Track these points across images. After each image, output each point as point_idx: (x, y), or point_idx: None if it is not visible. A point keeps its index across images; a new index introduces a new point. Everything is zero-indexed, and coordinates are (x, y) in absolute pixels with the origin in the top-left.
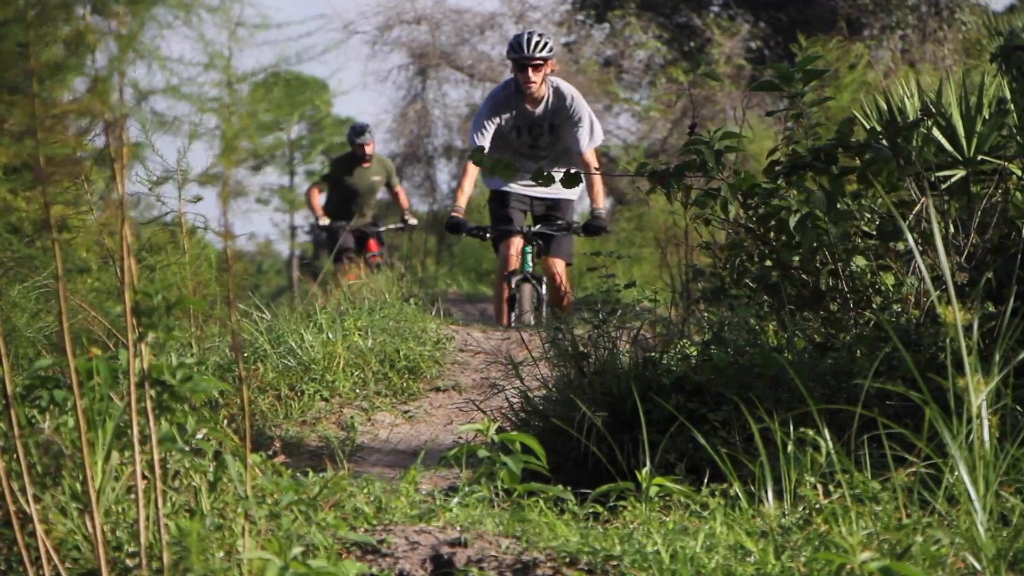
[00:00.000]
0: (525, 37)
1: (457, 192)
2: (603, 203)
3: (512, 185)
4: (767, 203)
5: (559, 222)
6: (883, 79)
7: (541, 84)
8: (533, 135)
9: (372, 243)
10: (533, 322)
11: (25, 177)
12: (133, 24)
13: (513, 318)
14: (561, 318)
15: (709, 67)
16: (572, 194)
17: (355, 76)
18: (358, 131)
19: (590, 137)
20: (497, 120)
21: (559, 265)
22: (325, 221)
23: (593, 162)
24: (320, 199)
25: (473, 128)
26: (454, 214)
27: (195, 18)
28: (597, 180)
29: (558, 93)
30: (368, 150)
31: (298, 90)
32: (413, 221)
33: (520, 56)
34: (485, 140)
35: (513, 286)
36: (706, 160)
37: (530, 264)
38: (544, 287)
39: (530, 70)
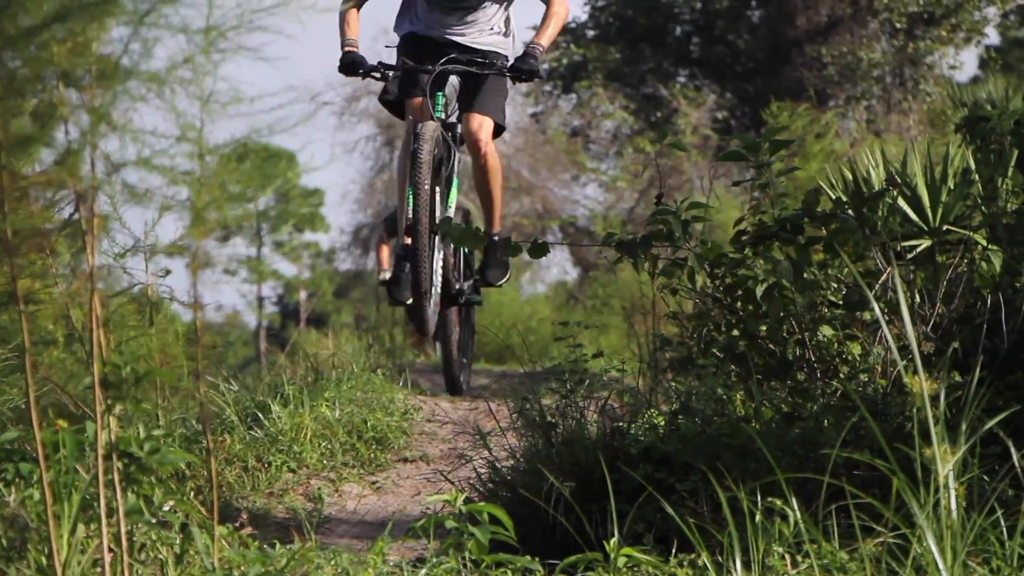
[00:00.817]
0: None
1: (343, 28)
2: (546, 42)
3: (430, 30)
4: (734, 273)
5: (480, 61)
6: (850, 149)
7: None
8: None
9: None
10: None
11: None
12: (105, 97)
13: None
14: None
15: (675, 137)
16: (504, 46)
17: (323, 147)
18: None
19: None
20: None
21: (483, 124)
22: None
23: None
24: None
25: None
26: (348, 48)
27: (168, 91)
28: (554, 14)
29: None
30: None
31: (267, 162)
32: None
33: None
34: None
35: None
36: (673, 230)
37: (441, 110)
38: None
39: None
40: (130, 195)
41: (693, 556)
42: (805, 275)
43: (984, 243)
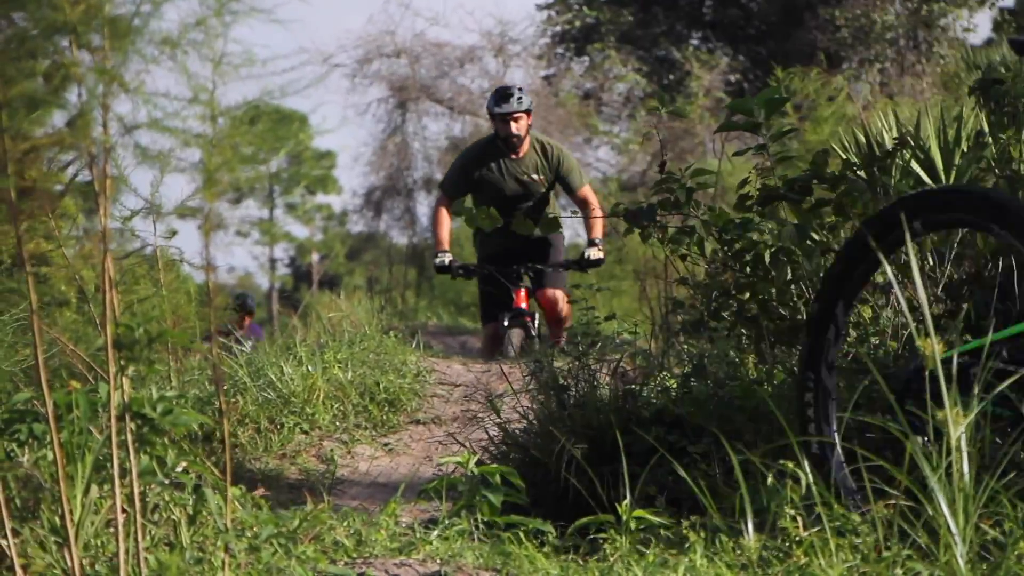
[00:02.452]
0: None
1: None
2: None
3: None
4: (741, 237)
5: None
6: (862, 112)
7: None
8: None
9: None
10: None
11: (4, 210)
12: (116, 58)
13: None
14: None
15: (675, 104)
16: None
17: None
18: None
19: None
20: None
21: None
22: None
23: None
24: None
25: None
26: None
27: (180, 53)
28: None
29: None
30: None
31: (280, 124)
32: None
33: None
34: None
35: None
36: (679, 198)
37: (524, 303)
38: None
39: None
40: (143, 157)
41: (705, 518)
42: (815, 237)
43: None
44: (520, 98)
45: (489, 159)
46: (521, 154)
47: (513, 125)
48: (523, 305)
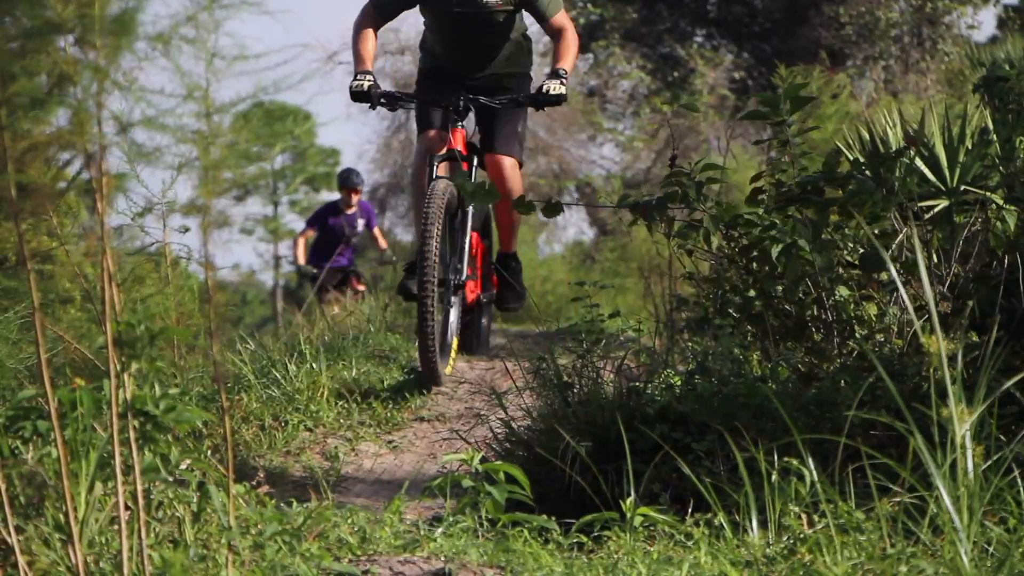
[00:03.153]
0: None
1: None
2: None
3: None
4: (750, 233)
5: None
6: (864, 109)
7: None
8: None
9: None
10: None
11: (6, 208)
12: (109, 55)
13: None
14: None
15: (690, 98)
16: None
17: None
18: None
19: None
20: None
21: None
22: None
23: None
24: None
25: None
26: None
27: (173, 50)
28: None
29: None
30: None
31: (280, 120)
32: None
33: None
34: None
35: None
36: (687, 192)
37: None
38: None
39: None
40: (138, 155)
41: (709, 516)
42: (823, 236)
43: (1001, 203)
44: None
45: None
46: None
47: None
48: (459, 148)
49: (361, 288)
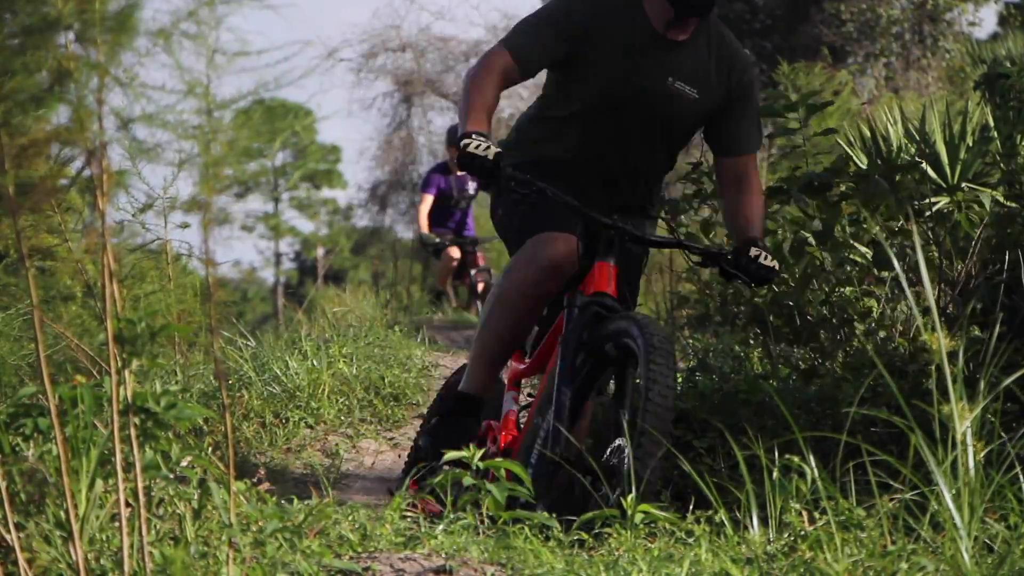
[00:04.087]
0: None
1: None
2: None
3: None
4: None
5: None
6: (864, 106)
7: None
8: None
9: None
10: None
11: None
12: (110, 52)
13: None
14: None
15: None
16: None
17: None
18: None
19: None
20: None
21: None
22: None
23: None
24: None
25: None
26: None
27: (174, 46)
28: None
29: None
30: None
31: (280, 116)
32: None
33: None
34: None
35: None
36: (704, 190)
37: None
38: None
39: None
40: (139, 151)
41: (710, 513)
42: (835, 233)
43: (1002, 200)
44: None
45: (628, 18)
46: (685, 36)
47: None
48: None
49: (484, 266)
